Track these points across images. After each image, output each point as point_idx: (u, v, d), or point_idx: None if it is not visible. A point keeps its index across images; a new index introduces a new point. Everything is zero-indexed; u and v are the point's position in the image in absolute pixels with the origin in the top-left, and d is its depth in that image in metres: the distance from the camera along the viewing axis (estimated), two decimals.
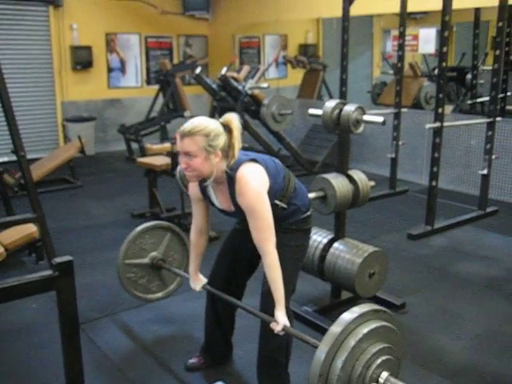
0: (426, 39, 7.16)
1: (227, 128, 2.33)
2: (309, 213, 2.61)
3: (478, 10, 8.18)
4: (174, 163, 5.01)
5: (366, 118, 3.19)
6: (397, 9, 6.21)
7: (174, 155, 5.13)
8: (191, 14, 10.11)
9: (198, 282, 2.80)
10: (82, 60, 9.01)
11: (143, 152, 7.48)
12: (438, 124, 4.89)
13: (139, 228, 3.15)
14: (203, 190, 2.51)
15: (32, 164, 5.91)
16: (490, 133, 5.44)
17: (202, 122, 2.28)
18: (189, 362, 2.93)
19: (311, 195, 3.24)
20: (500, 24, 5.20)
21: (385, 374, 1.83)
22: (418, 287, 4.04)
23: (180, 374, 2.92)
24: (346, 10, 5.71)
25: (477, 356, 3.12)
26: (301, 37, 11.20)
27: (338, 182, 3.25)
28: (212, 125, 2.28)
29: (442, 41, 4.81)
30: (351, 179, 3.33)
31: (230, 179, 2.33)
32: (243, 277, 2.82)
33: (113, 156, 9.02)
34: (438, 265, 4.47)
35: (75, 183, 7.01)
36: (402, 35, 6.22)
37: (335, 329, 1.82)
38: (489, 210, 5.70)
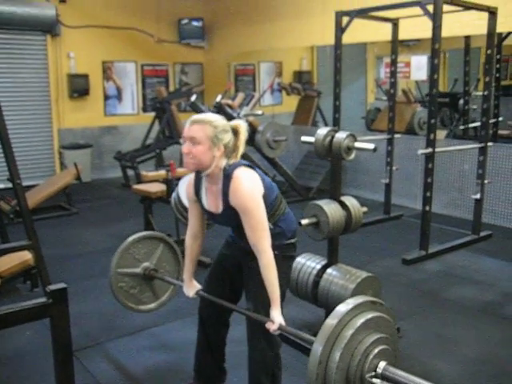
0: (418, 66, 7.26)
1: (234, 131, 2.43)
2: (293, 240, 2.63)
3: (467, 38, 8.33)
4: (170, 190, 5.05)
5: (357, 144, 3.24)
6: (388, 37, 6.33)
7: (169, 182, 5.17)
8: (187, 43, 10.28)
9: (192, 288, 2.80)
10: (78, 88, 9.12)
11: (139, 179, 7.52)
12: (429, 150, 4.95)
13: (132, 237, 3.14)
14: (197, 190, 2.56)
15: (28, 191, 5.94)
16: (481, 158, 5.50)
17: (213, 116, 2.42)
18: None
19: (304, 221, 3.27)
20: (489, 52, 5.30)
21: (383, 364, 1.84)
22: (412, 312, 4.04)
23: None
24: (338, 38, 5.82)
25: (472, 380, 3.13)
26: (295, 64, 11.37)
27: (331, 209, 3.28)
28: (222, 121, 2.41)
29: (433, 68, 4.90)
30: (344, 205, 3.36)
31: (226, 177, 2.38)
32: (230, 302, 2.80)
33: (109, 183, 9.06)
34: (432, 289, 4.48)
35: (71, 210, 7.03)
36: (394, 62, 6.34)
37: (331, 321, 1.84)
38: (483, 234, 5.73)
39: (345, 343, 1.79)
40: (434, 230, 5.36)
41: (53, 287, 2.17)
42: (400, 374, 1.80)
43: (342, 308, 1.87)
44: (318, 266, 3.50)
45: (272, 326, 2.37)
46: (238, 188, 2.34)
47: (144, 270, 3.13)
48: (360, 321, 1.84)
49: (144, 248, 3.16)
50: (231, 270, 2.72)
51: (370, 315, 1.88)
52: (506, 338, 3.66)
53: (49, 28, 8.65)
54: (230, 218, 2.44)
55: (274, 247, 2.49)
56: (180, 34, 10.13)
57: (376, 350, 1.84)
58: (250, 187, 2.36)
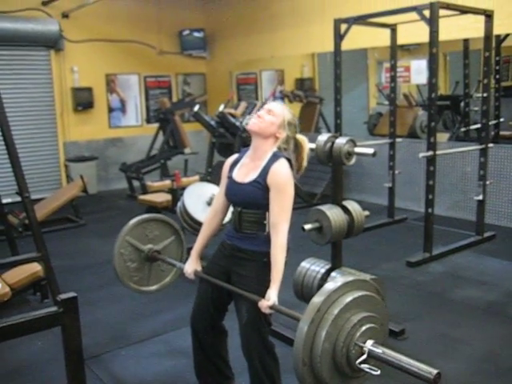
0: (418, 70, 7.34)
1: (298, 143, 2.71)
2: None
3: (466, 41, 8.37)
4: (175, 200, 5.12)
5: (357, 150, 3.30)
6: (387, 42, 6.40)
7: (174, 192, 5.24)
8: (189, 53, 10.38)
9: (193, 265, 2.80)
10: (83, 101, 9.24)
11: (144, 189, 7.60)
12: (430, 153, 5.00)
13: (156, 215, 3.23)
14: (232, 166, 2.71)
15: (36, 204, 6.01)
16: (482, 159, 5.55)
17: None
18: None
19: (307, 226, 3.33)
20: (487, 54, 5.36)
21: (370, 342, 1.85)
22: (418, 313, 4.09)
23: None
24: (337, 45, 5.89)
25: (476, 379, 3.16)
26: (297, 71, 11.43)
27: (333, 213, 3.34)
28: (297, 122, 2.70)
29: (431, 72, 4.96)
30: (346, 210, 3.42)
31: (274, 156, 2.58)
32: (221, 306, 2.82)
33: (115, 194, 9.14)
34: (436, 291, 4.52)
35: (78, 222, 7.11)
36: (393, 67, 6.40)
37: (317, 298, 1.83)
38: (486, 235, 5.77)
39: (331, 320, 1.80)
40: (437, 232, 5.40)
41: (64, 296, 2.22)
42: (386, 351, 1.82)
43: (329, 286, 1.88)
44: (323, 270, 3.55)
45: (266, 303, 2.38)
46: (281, 168, 2.53)
47: (148, 251, 3.14)
48: (348, 299, 1.85)
49: (158, 231, 3.19)
50: (220, 278, 2.70)
51: (358, 293, 1.89)
52: (511, 337, 3.70)
53: (52, 43, 8.78)
54: (250, 191, 2.55)
55: (267, 254, 2.53)
56: (182, 45, 10.24)
57: (363, 328, 1.85)
58: (290, 174, 2.56)
